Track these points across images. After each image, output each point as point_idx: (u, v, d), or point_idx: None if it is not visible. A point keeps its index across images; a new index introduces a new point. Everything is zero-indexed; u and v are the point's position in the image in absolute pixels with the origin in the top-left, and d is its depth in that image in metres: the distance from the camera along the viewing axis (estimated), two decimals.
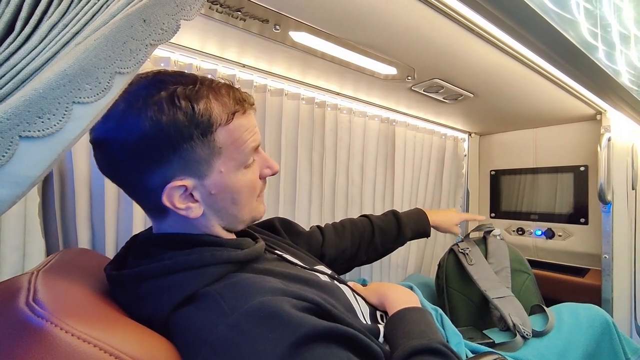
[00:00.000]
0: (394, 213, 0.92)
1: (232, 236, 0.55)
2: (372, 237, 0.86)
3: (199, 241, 0.48)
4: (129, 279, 0.45)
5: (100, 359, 0.32)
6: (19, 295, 0.34)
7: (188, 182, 0.44)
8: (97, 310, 0.40)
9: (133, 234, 0.56)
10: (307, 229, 0.83)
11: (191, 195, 0.45)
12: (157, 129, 0.41)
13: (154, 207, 0.47)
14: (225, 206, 0.49)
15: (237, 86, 0.49)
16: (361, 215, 0.92)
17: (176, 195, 0.44)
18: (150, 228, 0.53)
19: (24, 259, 0.62)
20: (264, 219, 0.86)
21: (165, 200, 0.44)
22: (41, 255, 0.64)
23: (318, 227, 0.84)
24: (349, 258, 0.84)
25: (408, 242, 1.39)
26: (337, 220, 1.14)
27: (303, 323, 0.37)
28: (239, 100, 0.47)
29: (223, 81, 0.48)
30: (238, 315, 0.38)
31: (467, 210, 1.67)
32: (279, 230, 0.74)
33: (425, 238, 0.96)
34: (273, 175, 0.54)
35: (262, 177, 0.53)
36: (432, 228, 0.96)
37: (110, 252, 0.73)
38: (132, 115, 0.41)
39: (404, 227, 0.89)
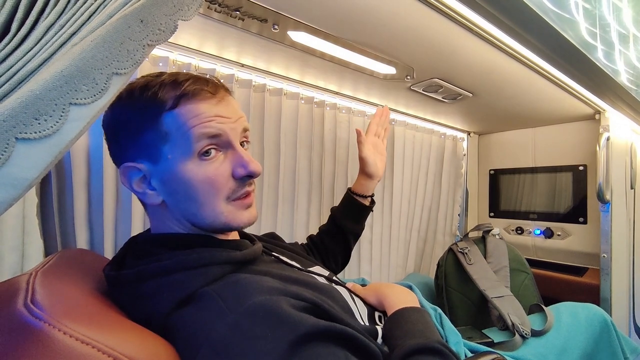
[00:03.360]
0: (331, 212, 0.89)
1: (234, 235, 0.55)
2: (323, 245, 0.85)
3: (198, 241, 0.48)
4: (128, 279, 0.44)
5: None
6: (17, 297, 0.34)
7: (141, 165, 0.46)
8: (95, 311, 0.40)
9: (132, 235, 0.56)
10: (306, 229, 0.82)
11: (149, 183, 0.48)
12: (114, 114, 0.47)
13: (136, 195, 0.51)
14: (182, 201, 0.47)
15: (207, 76, 0.50)
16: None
17: (135, 179, 0.47)
18: (149, 229, 0.53)
19: (23, 259, 0.62)
20: (266, 227, 0.84)
21: (123, 180, 0.48)
22: (40, 255, 0.64)
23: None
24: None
25: (407, 243, 1.40)
26: None
27: (302, 322, 0.37)
28: (192, 85, 0.46)
29: (196, 73, 0.51)
30: (237, 314, 0.38)
31: (467, 210, 1.67)
32: (278, 237, 0.75)
33: (372, 205, 0.88)
34: (249, 176, 0.48)
35: (237, 177, 0.48)
36: (368, 177, 0.86)
37: (109, 253, 0.73)
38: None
39: (338, 219, 0.85)
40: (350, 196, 0.87)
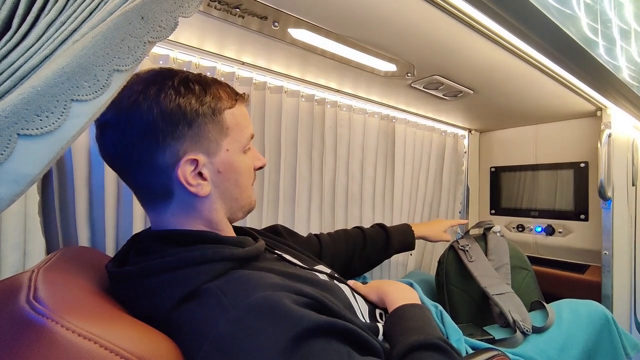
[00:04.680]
0: (381, 226, 0.97)
1: (232, 233, 0.55)
2: (364, 246, 0.90)
3: (201, 238, 0.49)
4: (131, 275, 0.45)
5: (101, 356, 0.32)
6: (20, 293, 0.34)
7: (200, 157, 0.47)
8: (97, 307, 0.40)
9: (133, 233, 0.56)
10: (307, 226, 0.83)
11: (200, 174, 0.48)
12: (175, 106, 0.45)
13: (161, 190, 0.48)
14: (229, 188, 0.52)
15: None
16: (354, 227, 0.97)
17: (188, 171, 0.47)
18: (151, 227, 0.53)
19: (25, 257, 0.62)
20: (267, 224, 0.86)
21: (179, 175, 0.46)
22: (41, 253, 0.64)
23: (315, 235, 0.88)
24: (342, 265, 0.86)
25: None
26: (336, 218, 1.15)
27: (303, 318, 0.37)
28: (236, 91, 0.53)
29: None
30: (239, 310, 0.38)
31: (467, 207, 1.67)
32: (282, 233, 0.76)
33: (411, 251, 1.03)
34: (261, 168, 0.59)
35: (255, 168, 0.57)
36: (422, 239, 1.02)
37: (110, 251, 0.73)
38: (150, 96, 0.44)
39: (392, 239, 0.93)
40: (411, 232, 0.99)
